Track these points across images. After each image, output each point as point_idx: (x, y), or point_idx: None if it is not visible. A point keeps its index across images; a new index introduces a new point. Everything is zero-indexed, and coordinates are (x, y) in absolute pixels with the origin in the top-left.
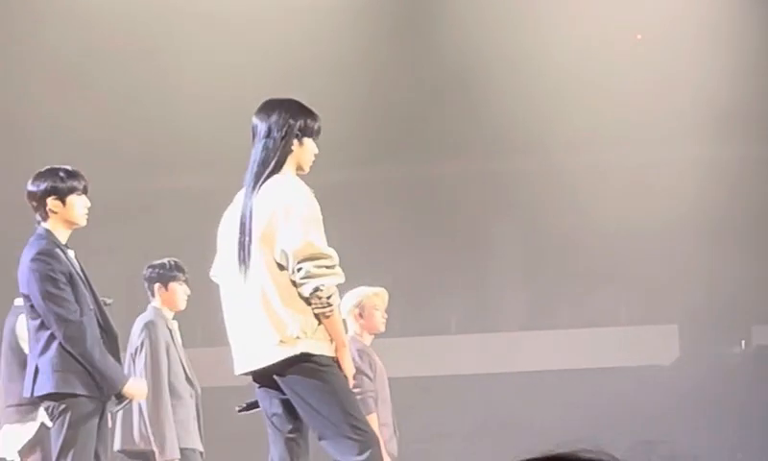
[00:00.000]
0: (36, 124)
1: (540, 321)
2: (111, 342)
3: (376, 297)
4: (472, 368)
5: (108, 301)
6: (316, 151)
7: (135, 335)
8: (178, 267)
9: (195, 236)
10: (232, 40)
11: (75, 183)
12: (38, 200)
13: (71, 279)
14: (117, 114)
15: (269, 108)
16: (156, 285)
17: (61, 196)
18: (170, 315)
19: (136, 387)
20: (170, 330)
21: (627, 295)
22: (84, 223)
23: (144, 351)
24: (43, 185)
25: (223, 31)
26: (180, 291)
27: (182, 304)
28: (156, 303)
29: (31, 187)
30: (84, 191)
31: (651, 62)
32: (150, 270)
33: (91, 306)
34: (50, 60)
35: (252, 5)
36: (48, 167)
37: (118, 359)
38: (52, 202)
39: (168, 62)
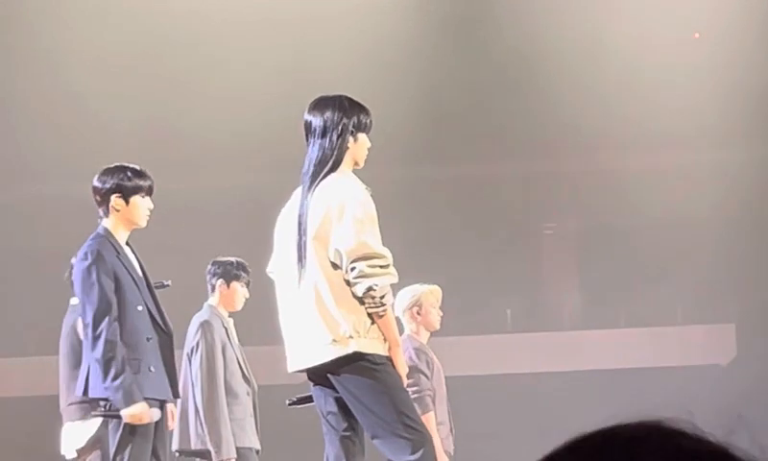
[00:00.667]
0: (91, 121)
1: (596, 320)
2: (165, 341)
3: (431, 294)
4: (528, 367)
5: (167, 282)
6: (369, 145)
7: (191, 335)
8: (242, 267)
9: (251, 233)
10: (282, 39)
11: (141, 183)
12: (102, 196)
13: (117, 281)
14: (170, 110)
15: (321, 105)
16: (219, 282)
17: (125, 195)
18: (226, 313)
19: (138, 414)
20: (226, 329)
21: (683, 294)
22: (144, 224)
23: (200, 351)
24: (109, 183)
25: (273, 30)
26: (240, 292)
27: (239, 306)
28: (213, 300)
29: (96, 183)
30: (149, 192)
31: (708, 62)
32: (215, 266)
33: (140, 307)
34: (105, 57)
35: (301, 6)
36: (116, 164)
37: (172, 357)
38: (115, 200)
39: (220, 61)
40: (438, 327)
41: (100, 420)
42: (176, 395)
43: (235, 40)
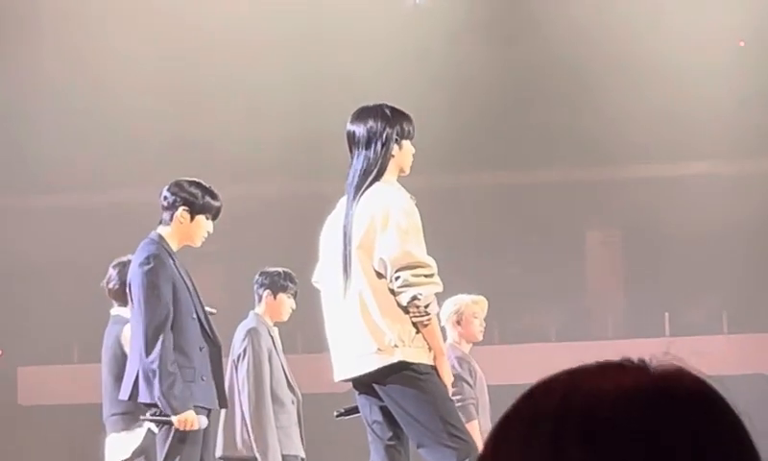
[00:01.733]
0: (134, 134)
1: (641, 329)
2: (215, 352)
3: (475, 305)
4: None
5: (213, 310)
6: (413, 151)
7: (238, 342)
8: (289, 278)
9: (293, 242)
10: (322, 48)
11: (211, 203)
12: (171, 205)
13: (175, 289)
14: (212, 120)
15: (364, 115)
16: (266, 292)
17: (193, 211)
18: (271, 323)
19: (190, 420)
20: (272, 337)
21: (729, 302)
22: (198, 245)
23: (246, 358)
24: (182, 195)
25: (313, 40)
26: (286, 303)
27: (286, 316)
28: (259, 309)
29: (167, 192)
30: (215, 216)
31: (753, 70)
32: (262, 276)
33: (194, 316)
34: (155, 72)
35: (348, 16)
36: (194, 179)
37: (220, 368)
38: (182, 212)
39: (261, 70)
40: (479, 338)
41: (144, 431)
42: (222, 405)
43: (275, 50)
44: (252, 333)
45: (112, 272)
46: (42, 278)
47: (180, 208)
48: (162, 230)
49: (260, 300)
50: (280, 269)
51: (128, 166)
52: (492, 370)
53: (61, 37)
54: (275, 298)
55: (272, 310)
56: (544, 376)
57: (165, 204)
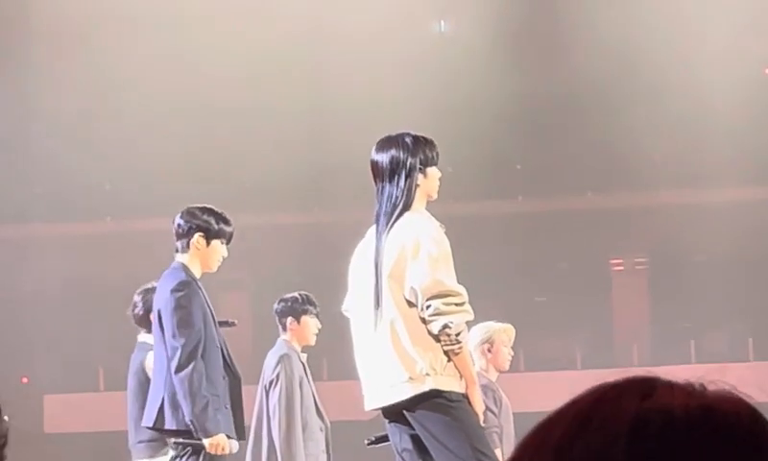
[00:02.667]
0: (164, 165)
1: (667, 356)
2: (236, 383)
3: (504, 333)
4: None
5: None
6: (440, 175)
7: (270, 368)
8: (309, 300)
9: (320, 270)
10: (348, 77)
11: (225, 229)
12: (186, 233)
13: (204, 317)
14: (234, 148)
15: (386, 146)
16: (289, 319)
17: (209, 237)
18: (299, 348)
19: (222, 444)
20: (302, 364)
21: (755, 329)
22: (215, 269)
23: (279, 384)
24: (196, 222)
25: (342, 66)
26: (311, 324)
27: (312, 339)
28: (285, 336)
29: (180, 220)
30: (228, 240)
31: None
32: (282, 304)
33: (217, 345)
34: (171, 108)
35: (373, 42)
36: (204, 205)
37: (240, 399)
38: (198, 239)
39: (283, 101)
40: (507, 367)
41: (170, 458)
42: (240, 437)
43: (292, 79)
44: (284, 360)
45: (137, 299)
46: (67, 306)
47: (196, 235)
48: (182, 258)
49: (284, 327)
50: (297, 293)
51: (150, 195)
52: (517, 397)
53: (79, 67)
54: (298, 322)
55: (298, 335)
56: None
57: (180, 231)
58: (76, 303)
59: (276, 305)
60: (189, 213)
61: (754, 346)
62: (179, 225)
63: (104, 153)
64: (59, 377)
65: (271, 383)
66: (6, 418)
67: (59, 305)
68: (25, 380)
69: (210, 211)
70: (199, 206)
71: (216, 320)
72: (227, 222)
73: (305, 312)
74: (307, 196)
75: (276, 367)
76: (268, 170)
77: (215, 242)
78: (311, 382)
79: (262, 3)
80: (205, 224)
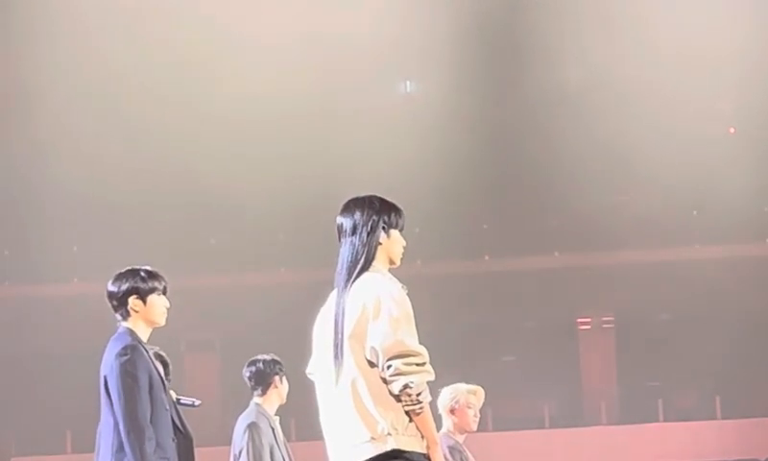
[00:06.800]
0: (137, 227)
1: (634, 414)
2: (187, 444)
3: (472, 395)
4: None
5: (197, 402)
6: (404, 243)
7: (239, 436)
8: (276, 363)
9: (282, 329)
10: (321, 135)
11: (155, 284)
12: (119, 299)
13: (150, 380)
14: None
15: (352, 206)
16: (259, 389)
17: (142, 295)
18: (272, 411)
19: None
20: (273, 429)
21: (721, 389)
22: (163, 322)
23: (247, 454)
24: (125, 285)
25: (329, 126)
26: (283, 387)
27: (284, 400)
28: (258, 399)
29: (111, 288)
30: (164, 291)
31: (744, 156)
32: (251, 366)
33: (167, 407)
34: (151, 173)
35: (345, 102)
36: (128, 268)
37: (191, 459)
38: (133, 301)
39: (252, 154)
40: (473, 429)
41: None
42: None
43: (260, 137)
44: (252, 428)
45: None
46: (34, 367)
47: (130, 299)
48: (125, 323)
49: (256, 390)
50: (266, 356)
51: (120, 257)
52: (485, 457)
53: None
54: (267, 389)
55: (270, 398)
56: None
57: (114, 303)
58: (42, 364)
59: (244, 369)
60: (115, 282)
61: (721, 404)
62: (110, 294)
63: (79, 217)
64: (26, 439)
65: (240, 452)
66: None
67: (24, 367)
68: None
69: (135, 271)
70: (123, 270)
71: (163, 383)
72: (155, 276)
73: (276, 373)
74: (273, 255)
75: (243, 435)
76: (234, 230)
77: (151, 297)
78: (282, 448)
79: (228, 70)
80: (134, 285)
